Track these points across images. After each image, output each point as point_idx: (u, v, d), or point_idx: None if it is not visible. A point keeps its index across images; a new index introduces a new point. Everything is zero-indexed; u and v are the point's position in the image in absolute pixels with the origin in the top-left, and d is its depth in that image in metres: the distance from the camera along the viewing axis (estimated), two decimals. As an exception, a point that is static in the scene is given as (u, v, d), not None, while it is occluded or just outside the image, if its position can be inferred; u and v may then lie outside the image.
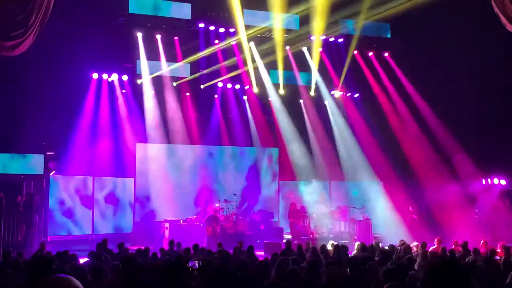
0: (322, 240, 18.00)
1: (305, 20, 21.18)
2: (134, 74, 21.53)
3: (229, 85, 23.03)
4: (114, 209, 22.27)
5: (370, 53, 22.90)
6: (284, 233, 20.74)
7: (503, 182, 21.16)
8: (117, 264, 8.43)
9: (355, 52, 22.54)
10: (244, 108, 23.43)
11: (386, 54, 22.84)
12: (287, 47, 22.14)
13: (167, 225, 19.41)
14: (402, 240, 14.46)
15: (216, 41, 21.47)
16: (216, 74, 22.27)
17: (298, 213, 20.71)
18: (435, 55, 20.69)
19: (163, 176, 23.20)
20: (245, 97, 23.57)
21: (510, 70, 19.38)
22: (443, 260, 3.14)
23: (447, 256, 12.26)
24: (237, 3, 20.08)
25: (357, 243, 14.03)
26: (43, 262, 4.71)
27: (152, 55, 21.32)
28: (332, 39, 21.95)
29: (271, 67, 22.62)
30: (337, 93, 23.87)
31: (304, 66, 22.93)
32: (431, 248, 13.73)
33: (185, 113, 22.86)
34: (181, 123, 22.83)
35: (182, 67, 21.88)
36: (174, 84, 22.28)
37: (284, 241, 16.57)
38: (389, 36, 22.63)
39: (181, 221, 19.94)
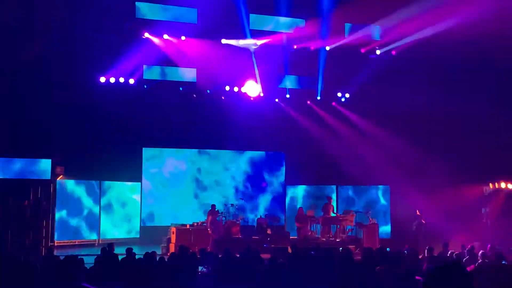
0: (329, 244, 17.99)
1: (311, 24, 21.21)
2: (141, 78, 21.56)
3: (235, 89, 23.01)
4: (121, 214, 22.32)
5: (377, 52, 22.81)
6: (290, 237, 20.71)
7: (510, 186, 21.10)
8: (124, 268, 8.45)
9: (362, 54, 22.54)
10: (251, 112, 23.38)
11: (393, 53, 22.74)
12: (294, 51, 22.13)
13: (173, 229, 19.39)
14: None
15: (223, 43, 21.44)
16: (223, 78, 22.29)
17: (305, 218, 20.67)
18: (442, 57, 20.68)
19: (170, 180, 23.25)
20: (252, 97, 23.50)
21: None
22: (446, 263, 3.14)
23: (452, 259, 12.23)
24: (244, 7, 20.12)
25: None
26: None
27: (159, 60, 21.36)
28: (338, 42, 21.89)
29: (278, 71, 22.61)
30: (344, 97, 23.87)
31: (310, 70, 22.90)
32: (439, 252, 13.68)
33: (192, 117, 22.87)
34: (187, 127, 22.85)
35: (188, 71, 21.91)
36: (181, 88, 22.29)
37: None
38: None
39: (187, 225, 19.94)
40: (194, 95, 22.47)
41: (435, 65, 21.49)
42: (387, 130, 22.46)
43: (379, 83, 22.01)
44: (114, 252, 12.99)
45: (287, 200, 24.29)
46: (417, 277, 7.77)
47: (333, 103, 24.02)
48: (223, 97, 22.91)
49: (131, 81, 21.51)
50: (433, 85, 21.50)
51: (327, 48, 22.18)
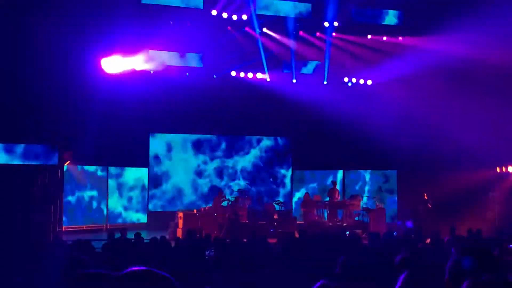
0: (336, 229, 18.06)
1: (317, 8, 21.13)
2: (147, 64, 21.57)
3: (241, 74, 23.00)
4: (128, 199, 22.40)
5: (384, 38, 22.68)
6: (297, 222, 20.77)
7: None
8: (133, 254, 8.50)
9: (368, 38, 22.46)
10: (258, 97, 23.36)
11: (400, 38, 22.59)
12: (300, 36, 22.04)
13: (181, 215, 19.46)
14: None
15: (229, 28, 21.33)
16: (229, 63, 22.27)
17: (311, 203, 20.71)
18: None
19: (177, 166, 23.30)
20: (258, 78, 23.42)
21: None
22: (474, 246, 3.09)
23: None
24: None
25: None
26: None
27: (165, 45, 21.32)
28: (345, 27, 21.74)
29: (284, 56, 22.55)
30: (350, 81, 23.82)
31: (316, 55, 22.82)
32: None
33: (198, 102, 22.87)
34: (194, 113, 22.85)
35: (194, 57, 21.88)
36: (187, 74, 22.27)
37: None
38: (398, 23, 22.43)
39: (194, 211, 20.01)
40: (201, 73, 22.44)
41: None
42: (395, 114, 22.40)
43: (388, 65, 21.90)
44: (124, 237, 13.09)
45: (294, 185, 24.30)
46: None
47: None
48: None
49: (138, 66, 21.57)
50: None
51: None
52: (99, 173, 21.75)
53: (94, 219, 21.39)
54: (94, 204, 21.45)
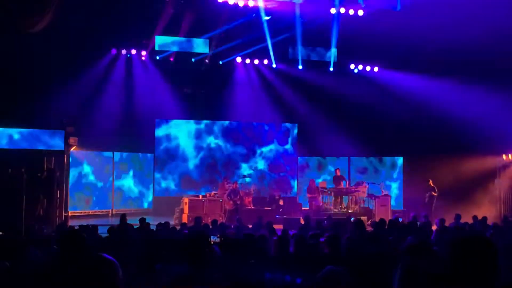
0: (341, 215, 18.06)
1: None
2: (153, 50, 21.52)
3: (247, 61, 22.93)
4: (134, 184, 22.45)
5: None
6: (303, 208, 20.78)
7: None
8: (139, 239, 8.52)
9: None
10: (264, 84, 23.31)
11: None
12: (306, 21, 21.89)
13: (186, 200, 19.50)
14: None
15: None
16: (235, 49, 22.18)
17: (317, 189, 20.71)
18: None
19: (182, 151, 23.31)
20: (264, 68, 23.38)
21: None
22: (471, 234, 3.10)
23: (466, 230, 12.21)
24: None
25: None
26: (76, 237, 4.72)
27: (170, 31, 21.26)
28: (351, 12, 21.53)
29: (290, 42, 22.45)
30: (357, 67, 23.71)
31: (323, 41, 22.69)
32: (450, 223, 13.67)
33: (204, 88, 22.85)
34: (200, 99, 22.83)
35: (200, 43, 21.81)
36: (193, 60, 22.21)
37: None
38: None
39: (200, 196, 20.04)
40: (206, 60, 22.30)
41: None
42: (400, 100, 22.30)
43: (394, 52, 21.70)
44: (128, 222, 13.12)
45: (300, 171, 24.28)
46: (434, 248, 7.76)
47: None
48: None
49: (143, 52, 21.57)
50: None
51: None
52: (105, 158, 21.78)
53: (100, 205, 21.44)
54: (100, 189, 21.50)
